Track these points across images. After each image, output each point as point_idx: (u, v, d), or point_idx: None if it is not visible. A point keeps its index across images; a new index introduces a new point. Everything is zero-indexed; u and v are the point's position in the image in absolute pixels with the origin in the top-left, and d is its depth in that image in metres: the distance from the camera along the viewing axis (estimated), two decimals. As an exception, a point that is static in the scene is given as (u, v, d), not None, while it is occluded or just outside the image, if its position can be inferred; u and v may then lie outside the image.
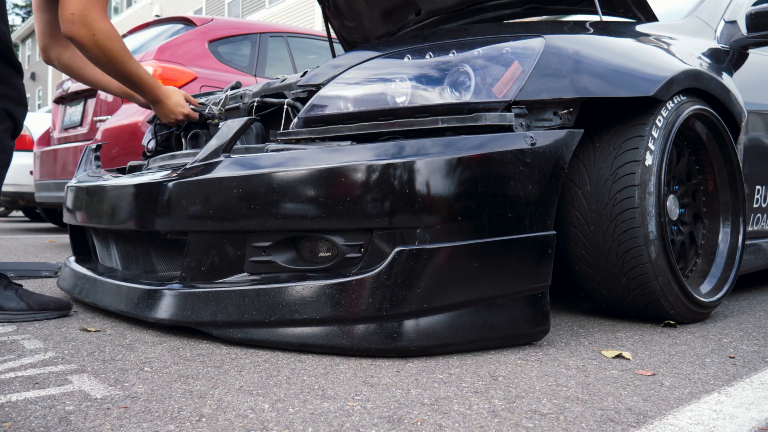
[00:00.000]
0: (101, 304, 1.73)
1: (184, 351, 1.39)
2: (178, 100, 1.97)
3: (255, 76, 4.05)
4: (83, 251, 2.22)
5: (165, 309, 1.50)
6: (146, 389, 1.11)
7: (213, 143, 1.57)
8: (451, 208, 1.34)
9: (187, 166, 1.54)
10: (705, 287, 1.89)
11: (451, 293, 1.34)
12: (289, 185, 1.38)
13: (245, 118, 1.61)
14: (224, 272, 1.49)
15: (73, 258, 2.19)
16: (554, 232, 1.44)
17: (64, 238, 4.68)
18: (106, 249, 2.00)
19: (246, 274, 1.47)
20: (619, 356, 1.40)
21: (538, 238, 1.41)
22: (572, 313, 1.92)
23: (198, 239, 1.50)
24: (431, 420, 0.99)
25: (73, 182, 2.10)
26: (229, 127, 1.60)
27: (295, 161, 1.40)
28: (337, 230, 1.37)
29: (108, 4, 1.74)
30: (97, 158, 2.30)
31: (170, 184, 1.52)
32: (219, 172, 1.46)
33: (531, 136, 1.42)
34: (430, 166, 1.33)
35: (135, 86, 1.86)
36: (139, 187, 1.62)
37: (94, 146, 2.32)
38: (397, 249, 1.33)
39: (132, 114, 3.56)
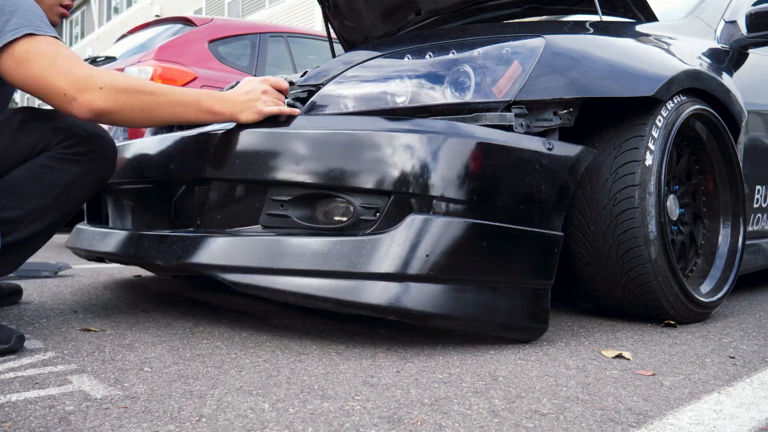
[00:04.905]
0: (111, 251, 1.76)
1: (184, 351, 1.39)
2: (248, 84, 1.53)
3: (255, 76, 4.05)
4: (96, 218, 2.23)
5: (174, 253, 1.52)
6: (146, 389, 1.11)
7: None
8: (469, 187, 1.38)
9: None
10: (705, 287, 1.89)
11: (458, 266, 1.37)
12: (315, 143, 1.43)
13: (281, 76, 1.63)
14: (239, 222, 1.52)
15: (84, 222, 2.19)
16: (562, 234, 1.48)
17: (64, 238, 4.68)
18: (119, 213, 2.00)
19: (260, 227, 1.49)
20: (619, 356, 1.40)
21: (545, 235, 1.45)
22: (572, 313, 1.91)
23: (219, 187, 1.54)
24: (431, 420, 0.99)
25: None
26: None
27: (323, 123, 1.47)
28: (357, 190, 1.40)
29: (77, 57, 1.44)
30: (151, 132, 2.29)
31: (200, 136, 1.58)
32: (249, 128, 1.51)
33: (549, 142, 1.49)
34: (457, 144, 1.39)
35: (194, 106, 1.48)
36: (168, 140, 1.67)
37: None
38: (412, 215, 1.36)
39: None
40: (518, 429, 0.97)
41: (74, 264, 3.01)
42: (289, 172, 1.44)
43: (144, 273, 2.74)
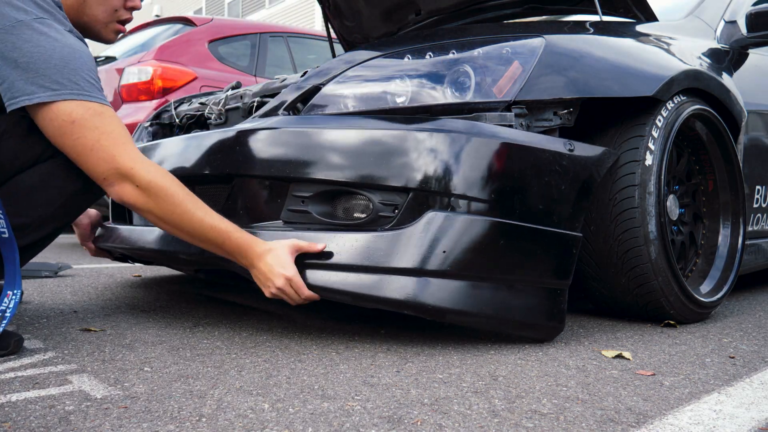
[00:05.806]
0: (136, 245, 1.78)
1: (184, 351, 1.39)
2: (278, 259, 1.38)
3: (255, 76, 4.05)
4: (120, 216, 2.23)
5: (198, 248, 1.52)
6: (146, 389, 1.11)
7: (274, 103, 1.66)
8: (489, 185, 1.39)
9: (254, 117, 1.63)
10: (705, 287, 1.89)
11: (476, 263, 1.38)
12: (337, 141, 1.45)
13: (310, 85, 1.63)
14: (262, 218, 1.54)
15: (109, 221, 2.21)
16: (581, 234, 1.49)
17: (63, 238, 4.68)
18: None
19: (281, 222, 1.51)
20: (619, 356, 1.40)
21: (564, 235, 1.46)
22: (572, 313, 1.91)
23: (243, 184, 1.56)
24: (431, 420, 0.99)
25: None
26: (290, 90, 1.66)
27: (346, 122, 1.49)
28: (376, 187, 1.42)
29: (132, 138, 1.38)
30: (149, 134, 2.29)
31: (225, 135, 1.60)
32: (278, 125, 1.53)
33: (570, 143, 1.49)
34: (478, 143, 1.40)
35: (214, 244, 1.41)
36: (193, 140, 1.70)
37: (147, 124, 2.31)
38: (431, 212, 1.38)
39: (133, 113, 3.56)
40: (518, 429, 0.97)
41: (74, 264, 3.01)
42: (310, 169, 1.46)
43: (144, 273, 2.74)
